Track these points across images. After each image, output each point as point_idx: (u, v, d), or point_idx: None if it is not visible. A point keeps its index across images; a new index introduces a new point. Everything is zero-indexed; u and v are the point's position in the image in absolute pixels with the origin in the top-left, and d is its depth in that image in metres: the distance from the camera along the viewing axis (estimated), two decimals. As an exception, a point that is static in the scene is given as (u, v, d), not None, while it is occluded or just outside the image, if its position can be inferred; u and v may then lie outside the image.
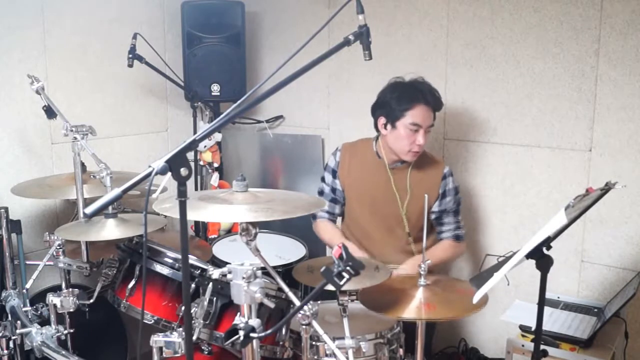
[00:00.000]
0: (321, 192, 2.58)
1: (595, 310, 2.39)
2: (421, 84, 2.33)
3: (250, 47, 3.30)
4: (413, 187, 2.38)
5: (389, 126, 2.33)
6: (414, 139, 2.28)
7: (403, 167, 2.41)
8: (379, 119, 2.37)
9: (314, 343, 1.92)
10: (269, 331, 1.44)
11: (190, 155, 1.27)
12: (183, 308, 1.39)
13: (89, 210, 1.19)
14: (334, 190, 2.54)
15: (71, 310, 2.04)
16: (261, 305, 1.47)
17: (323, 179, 2.58)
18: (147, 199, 1.24)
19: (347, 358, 1.80)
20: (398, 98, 2.29)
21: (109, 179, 2.04)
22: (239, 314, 1.46)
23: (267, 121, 3.35)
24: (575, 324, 2.27)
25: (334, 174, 2.53)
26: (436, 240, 2.49)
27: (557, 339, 2.18)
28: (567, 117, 2.48)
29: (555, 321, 2.29)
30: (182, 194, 1.25)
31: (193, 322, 1.87)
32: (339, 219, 2.65)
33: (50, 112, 2.24)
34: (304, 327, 1.70)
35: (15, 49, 2.61)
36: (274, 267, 1.81)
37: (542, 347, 1.80)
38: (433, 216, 2.44)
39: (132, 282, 2.02)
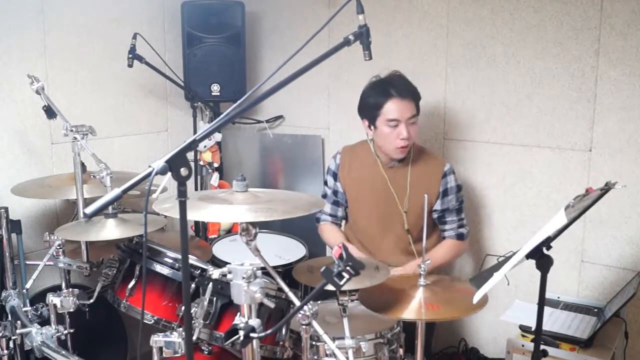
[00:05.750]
0: (324, 196, 2.59)
1: (595, 310, 2.39)
2: (392, 77, 2.31)
3: (250, 47, 3.30)
4: (413, 184, 2.38)
5: (372, 127, 2.34)
6: (397, 134, 2.28)
7: (401, 166, 2.40)
8: (364, 122, 2.38)
9: (314, 343, 1.92)
10: (269, 331, 1.44)
11: (190, 155, 1.27)
12: (183, 308, 1.39)
13: (89, 210, 1.19)
14: (335, 192, 2.54)
15: (71, 310, 2.05)
16: (261, 305, 1.47)
17: (326, 183, 2.59)
18: (147, 199, 1.24)
19: (347, 358, 1.80)
20: (372, 97, 2.30)
21: (109, 179, 2.05)
22: (239, 314, 1.46)
23: (267, 121, 3.35)
24: (575, 324, 2.27)
25: (335, 176, 2.53)
26: (438, 241, 2.48)
27: (557, 339, 2.18)
28: (567, 117, 2.48)
29: (555, 321, 2.29)
30: (182, 194, 1.25)
31: (193, 322, 1.87)
32: (343, 223, 2.65)
33: (50, 112, 2.24)
34: (304, 327, 1.70)
35: (15, 49, 2.61)
36: (274, 267, 1.81)
37: (542, 347, 1.80)
38: (435, 215, 2.43)
39: (132, 282, 2.02)
